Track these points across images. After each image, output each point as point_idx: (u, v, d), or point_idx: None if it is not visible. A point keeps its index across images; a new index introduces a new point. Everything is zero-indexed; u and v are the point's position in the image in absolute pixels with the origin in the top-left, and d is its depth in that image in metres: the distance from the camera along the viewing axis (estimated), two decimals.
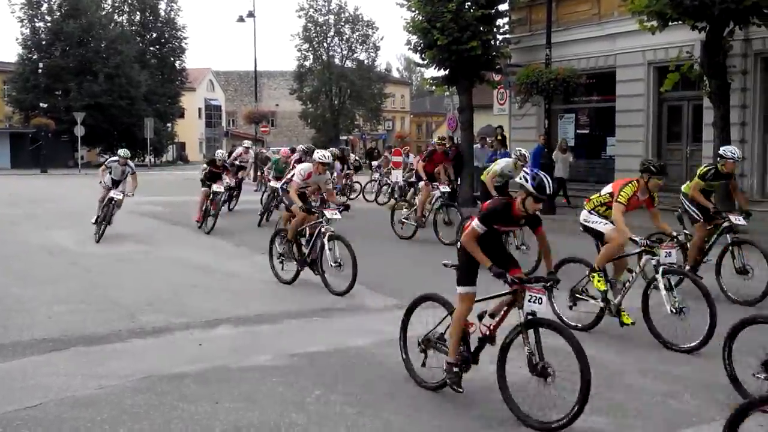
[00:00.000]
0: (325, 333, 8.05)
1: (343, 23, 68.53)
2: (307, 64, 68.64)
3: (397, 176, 22.69)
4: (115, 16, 64.39)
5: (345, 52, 69.39)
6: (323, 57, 68.40)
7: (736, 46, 16.60)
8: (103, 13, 60.76)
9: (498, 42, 21.84)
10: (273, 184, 17.22)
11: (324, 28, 68.13)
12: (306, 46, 67.93)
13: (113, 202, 14.70)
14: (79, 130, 45.90)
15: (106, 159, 17.78)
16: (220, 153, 18.15)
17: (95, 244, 14.25)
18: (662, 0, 14.80)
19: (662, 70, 17.81)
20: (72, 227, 16.65)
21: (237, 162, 20.75)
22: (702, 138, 17.76)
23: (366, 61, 70.07)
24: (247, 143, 22.28)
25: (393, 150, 26.31)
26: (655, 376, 6.58)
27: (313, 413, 5.66)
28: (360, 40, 69.44)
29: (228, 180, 17.36)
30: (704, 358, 7.08)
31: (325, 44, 68.56)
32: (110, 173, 15.20)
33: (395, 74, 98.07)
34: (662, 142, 19.80)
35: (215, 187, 16.52)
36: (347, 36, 68.96)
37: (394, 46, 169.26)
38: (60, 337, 7.72)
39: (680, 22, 15.32)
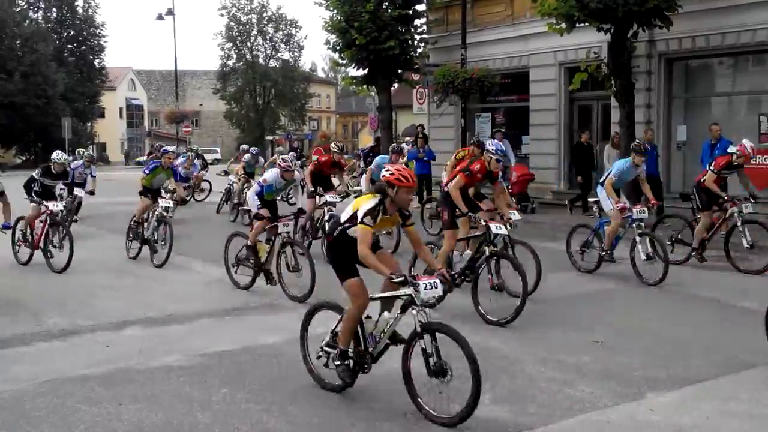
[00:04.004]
0: (235, 332, 8.06)
1: (266, 22, 68.12)
2: (230, 63, 68.08)
3: None
4: (30, 13, 62.27)
5: (269, 52, 69.10)
6: (247, 56, 67.86)
7: (641, 48, 17.17)
8: (17, 9, 58.73)
9: (416, 42, 22.10)
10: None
11: (247, 27, 67.63)
12: (229, 45, 67.36)
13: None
14: None
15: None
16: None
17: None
18: (569, 2, 15.24)
19: (573, 71, 18.28)
20: None
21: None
22: (611, 136, 18.29)
23: (290, 61, 69.84)
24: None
25: (315, 149, 26.30)
26: (554, 366, 6.80)
27: (219, 412, 5.71)
28: (284, 40, 69.23)
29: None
30: (601, 350, 7.38)
31: (248, 43, 68.08)
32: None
33: (320, 74, 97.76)
34: (574, 140, 20.32)
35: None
36: (270, 35, 68.63)
37: (319, 46, 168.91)
38: None
39: (587, 24, 15.82)
